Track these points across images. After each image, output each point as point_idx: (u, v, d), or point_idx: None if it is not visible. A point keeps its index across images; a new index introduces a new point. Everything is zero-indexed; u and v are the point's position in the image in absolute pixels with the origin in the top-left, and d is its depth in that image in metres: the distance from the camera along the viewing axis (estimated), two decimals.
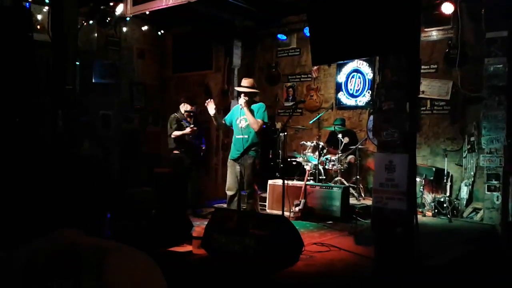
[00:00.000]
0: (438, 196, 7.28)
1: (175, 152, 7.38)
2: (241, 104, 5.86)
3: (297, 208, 6.90)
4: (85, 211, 1.52)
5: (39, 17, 7.35)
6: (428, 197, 7.34)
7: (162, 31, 9.52)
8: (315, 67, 9.05)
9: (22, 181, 4.90)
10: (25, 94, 5.28)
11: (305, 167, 7.60)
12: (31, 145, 5.24)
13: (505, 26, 6.63)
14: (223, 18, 8.59)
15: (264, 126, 5.90)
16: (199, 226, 5.18)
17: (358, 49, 4.39)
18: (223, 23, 8.75)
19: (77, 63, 6.20)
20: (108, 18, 7.99)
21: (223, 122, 6.18)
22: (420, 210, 7.02)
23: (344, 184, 7.46)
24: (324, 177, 7.67)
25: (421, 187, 7.11)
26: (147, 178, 8.61)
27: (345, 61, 8.51)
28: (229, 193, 5.95)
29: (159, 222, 5.17)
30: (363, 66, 8.58)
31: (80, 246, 1.29)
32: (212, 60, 9.41)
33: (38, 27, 7.21)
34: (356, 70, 8.69)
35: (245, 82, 6.08)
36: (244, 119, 5.87)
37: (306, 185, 7.12)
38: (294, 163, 7.97)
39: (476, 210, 7.08)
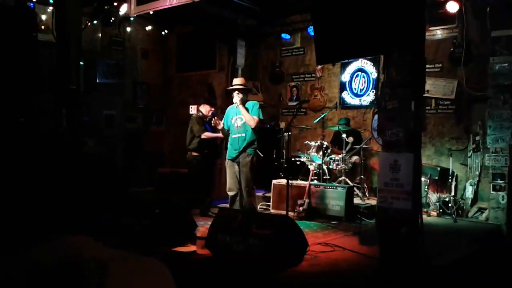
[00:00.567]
0: (443, 196, 7.25)
1: (194, 154, 7.15)
2: (236, 103, 5.86)
3: (301, 208, 6.88)
4: (87, 209, 1.52)
5: (43, 17, 7.36)
6: (433, 196, 7.30)
7: (166, 31, 9.52)
8: (319, 67, 9.02)
9: (25, 179, 4.91)
10: (29, 94, 5.29)
11: (309, 166, 7.58)
12: (35, 144, 5.25)
13: (510, 25, 6.60)
14: (226, 18, 8.58)
15: (261, 124, 5.92)
16: (203, 226, 5.18)
17: (363, 48, 4.37)
18: (227, 23, 8.74)
19: (81, 63, 6.21)
20: (112, 18, 7.99)
21: (226, 129, 6.15)
22: (425, 209, 6.99)
23: (349, 184, 7.43)
24: (328, 177, 7.65)
25: (426, 187, 7.08)
26: (150, 177, 8.63)
27: (349, 60, 8.48)
28: (230, 193, 5.95)
29: (163, 221, 5.16)
30: (367, 65, 8.55)
31: (84, 257, 1.28)
32: (216, 60, 9.40)
33: (42, 27, 7.22)
34: (360, 69, 8.66)
35: (237, 81, 6.14)
36: (239, 118, 5.88)
37: (310, 185, 7.10)
38: (298, 163, 7.96)
39: (481, 210, 7.04)
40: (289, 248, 4.23)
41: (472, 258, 4.90)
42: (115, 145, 8.72)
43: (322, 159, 7.53)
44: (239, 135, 5.87)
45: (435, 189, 7.45)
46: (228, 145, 6.07)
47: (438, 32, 7.65)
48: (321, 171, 7.54)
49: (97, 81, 8.44)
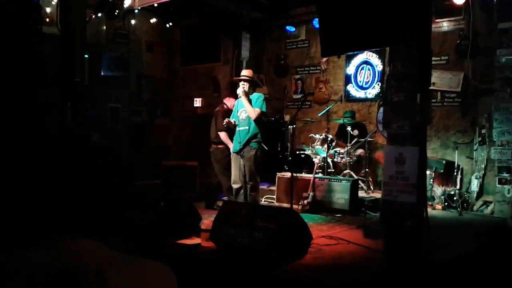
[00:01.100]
0: (448, 189, 7.22)
1: (220, 146, 6.95)
2: (239, 93, 5.84)
3: (305, 201, 6.88)
4: (92, 202, 1.51)
5: (48, 10, 7.36)
6: (438, 190, 7.28)
7: (170, 24, 9.50)
8: (324, 59, 8.98)
9: (31, 173, 4.93)
10: (34, 87, 5.30)
11: (313, 160, 7.57)
12: (39, 138, 5.26)
13: None
14: (231, 10, 8.54)
15: (264, 116, 5.87)
16: (207, 219, 5.19)
17: (368, 40, 4.34)
18: (231, 15, 8.70)
19: (86, 55, 6.21)
20: (117, 11, 7.99)
21: (234, 121, 6.07)
22: (430, 203, 6.97)
23: (353, 177, 7.42)
24: (333, 170, 7.64)
25: (431, 180, 7.06)
26: (155, 170, 8.65)
27: (354, 53, 8.44)
28: (234, 186, 5.95)
29: (168, 214, 5.18)
30: (373, 57, 8.50)
31: (83, 264, 1.27)
32: (220, 52, 9.38)
33: (47, 20, 7.21)
34: (366, 62, 8.61)
35: (245, 72, 6.09)
36: (244, 110, 5.86)
37: (314, 178, 7.09)
38: (302, 156, 7.94)
39: (486, 203, 7.01)
40: (293, 241, 4.24)
41: (477, 252, 4.88)
42: (120, 138, 8.74)
43: (327, 152, 7.51)
44: (243, 128, 5.86)
45: (440, 182, 7.42)
46: (234, 138, 6.06)
47: (444, 24, 7.59)
48: (325, 164, 7.52)
49: (101, 74, 8.45)
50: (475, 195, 7.18)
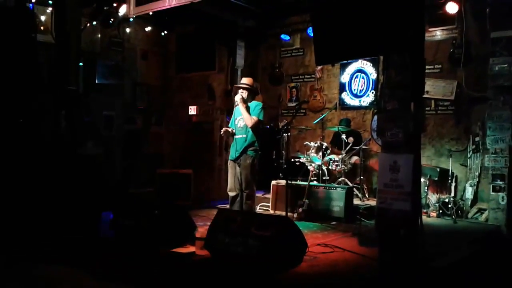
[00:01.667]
0: (443, 197, 7.24)
1: None
2: (237, 100, 5.84)
3: (300, 209, 6.87)
4: (83, 211, 1.51)
5: (43, 18, 7.34)
6: (433, 197, 7.30)
7: (165, 32, 9.51)
8: (319, 67, 9.03)
9: (23, 180, 4.90)
10: (28, 95, 5.29)
11: (308, 167, 7.58)
12: (33, 145, 5.24)
13: (510, 26, 6.59)
14: (226, 19, 8.58)
15: (262, 125, 5.85)
16: (202, 227, 5.17)
17: (362, 48, 4.36)
18: (226, 24, 8.73)
19: (80, 63, 6.21)
20: (111, 19, 7.97)
21: (232, 130, 6.07)
22: (425, 210, 6.99)
23: (348, 184, 7.43)
24: (328, 178, 7.65)
25: (426, 188, 7.08)
26: (150, 178, 8.62)
27: (348, 61, 8.48)
28: (230, 194, 5.92)
29: (162, 222, 5.15)
30: (367, 66, 8.55)
31: None
32: (215, 61, 9.39)
33: (42, 28, 7.20)
34: (360, 70, 8.66)
35: (245, 80, 6.08)
36: (242, 119, 5.85)
37: (309, 185, 7.09)
38: (297, 163, 7.95)
39: (481, 211, 7.04)
40: (288, 249, 4.22)
41: (472, 259, 4.89)
42: (114, 146, 8.71)
43: (322, 160, 7.52)
44: (241, 136, 5.86)
45: (435, 190, 7.44)
46: (231, 146, 6.05)
47: (437, 33, 7.65)
48: (320, 171, 7.53)
49: (96, 82, 8.43)
50: (469, 203, 7.20)
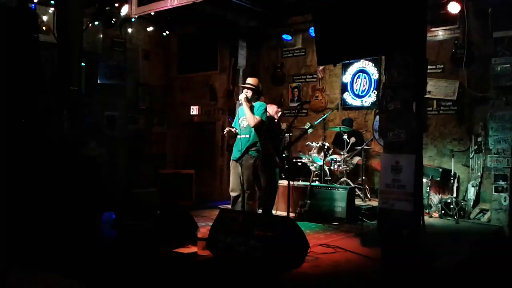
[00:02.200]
0: (445, 197, 7.23)
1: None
2: (240, 99, 5.84)
3: (302, 209, 6.87)
4: (85, 211, 1.50)
5: (45, 18, 7.36)
6: (435, 198, 7.28)
7: (167, 32, 9.52)
8: (321, 68, 9.02)
9: (27, 180, 4.90)
10: (31, 95, 5.29)
11: (310, 168, 7.57)
12: (36, 145, 5.24)
13: None
14: (228, 19, 8.57)
15: (264, 126, 5.84)
16: (204, 227, 5.17)
17: (364, 48, 4.37)
18: (228, 24, 8.73)
19: (83, 64, 6.21)
20: (113, 19, 7.99)
21: (235, 130, 6.04)
22: (427, 211, 6.97)
23: (350, 185, 7.42)
24: (330, 178, 7.64)
25: (428, 188, 7.06)
26: (153, 178, 8.63)
27: (350, 61, 8.47)
28: (232, 194, 5.92)
29: (164, 223, 5.16)
30: (369, 66, 8.54)
31: None
32: (217, 61, 9.39)
33: (44, 28, 7.22)
34: (362, 70, 8.65)
35: (250, 80, 6.07)
36: (245, 119, 5.85)
37: (311, 186, 7.09)
38: (299, 164, 7.94)
39: (483, 211, 7.02)
40: (290, 250, 4.22)
41: (474, 260, 4.88)
42: (116, 146, 8.72)
43: (324, 160, 7.51)
44: (244, 136, 5.85)
45: (437, 190, 7.43)
46: (234, 146, 6.04)
47: (439, 33, 7.64)
48: (322, 172, 7.52)
49: (98, 82, 8.45)
50: (471, 203, 7.19)
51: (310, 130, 7.54)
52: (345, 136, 7.72)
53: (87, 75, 7.67)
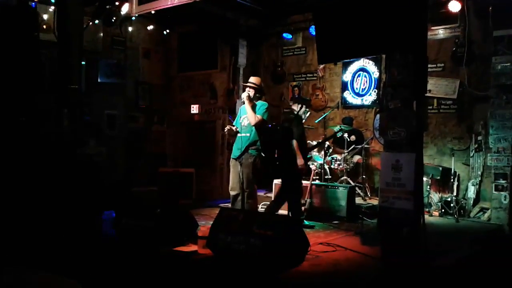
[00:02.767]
0: (445, 196, 7.23)
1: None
2: (243, 98, 5.85)
3: (302, 208, 6.86)
4: (85, 210, 1.50)
5: (45, 16, 7.35)
6: (435, 196, 7.28)
7: (168, 31, 9.51)
8: (321, 66, 9.01)
9: (25, 180, 4.90)
10: (31, 94, 5.29)
11: (310, 166, 7.57)
12: (35, 144, 5.24)
13: None
14: (228, 17, 8.57)
15: (264, 124, 5.84)
16: (204, 226, 5.17)
17: (364, 47, 4.36)
18: (228, 22, 8.73)
19: (83, 62, 6.20)
20: (114, 18, 7.98)
21: (236, 129, 6.03)
22: (427, 209, 6.97)
23: (350, 183, 7.42)
24: (330, 177, 7.64)
25: (428, 187, 7.06)
26: (152, 177, 8.63)
27: (351, 60, 8.47)
28: (232, 193, 5.92)
29: (164, 221, 5.16)
30: (369, 65, 8.54)
31: None
32: (218, 59, 9.39)
33: (44, 26, 7.21)
34: (362, 69, 8.65)
35: (253, 79, 6.08)
36: (246, 117, 5.85)
37: (311, 184, 7.09)
38: None
39: (483, 210, 7.02)
40: (290, 248, 4.22)
41: (474, 258, 4.88)
42: (116, 145, 8.72)
43: (324, 159, 7.51)
44: (244, 134, 5.86)
45: (437, 189, 7.43)
46: (234, 144, 6.05)
47: (440, 32, 7.63)
48: (322, 171, 7.53)
49: (98, 80, 8.44)
50: (471, 202, 7.19)
51: (340, 134, 7.60)
52: (346, 135, 7.73)
53: (87, 73, 7.67)
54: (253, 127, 5.78)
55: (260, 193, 7.57)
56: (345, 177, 7.61)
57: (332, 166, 7.71)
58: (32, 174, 5.01)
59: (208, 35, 9.33)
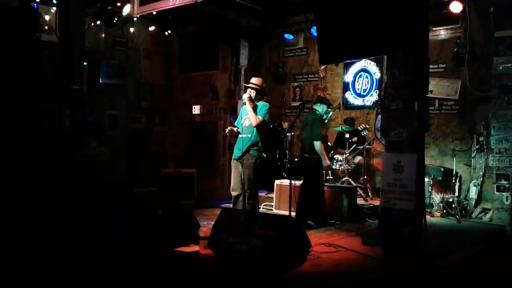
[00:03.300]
0: (447, 197, 7.22)
1: (314, 156, 6.49)
2: (244, 99, 5.85)
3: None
4: (87, 210, 1.51)
5: (47, 17, 7.37)
6: (437, 197, 7.28)
7: (169, 31, 9.53)
8: (322, 67, 9.01)
9: (28, 180, 4.91)
10: (33, 94, 5.30)
11: None
12: (38, 145, 5.25)
13: None
14: (229, 18, 8.58)
15: (265, 125, 5.85)
16: (206, 226, 5.17)
17: (366, 48, 4.36)
18: (230, 23, 8.73)
19: (84, 63, 6.22)
20: (115, 19, 7.99)
21: (237, 130, 6.04)
22: (429, 210, 6.98)
23: (352, 184, 7.42)
24: (332, 177, 7.64)
25: (430, 187, 7.06)
26: (154, 178, 8.64)
27: (352, 61, 8.46)
28: (233, 193, 5.92)
29: (166, 221, 5.16)
30: (371, 65, 8.54)
31: None
32: (219, 60, 9.40)
33: (46, 27, 7.23)
34: (364, 70, 8.64)
35: (254, 80, 6.08)
36: (248, 118, 5.85)
37: None
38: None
39: (485, 211, 7.02)
40: (292, 249, 4.23)
41: (476, 258, 4.88)
42: (118, 146, 8.73)
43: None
44: (246, 135, 5.85)
45: (439, 189, 7.43)
46: (235, 145, 6.05)
47: (441, 33, 7.63)
48: (324, 171, 7.51)
49: (100, 81, 8.47)
50: (473, 202, 7.18)
51: (364, 132, 7.62)
52: (347, 136, 7.73)
53: (89, 74, 7.68)
54: (254, 128, 5.78)
55: (262, 194, 7.58)
56: (346, 178, 7.61)
57: (334, 167, 7.70)
58: (34, 174, 5.02)
59: (210, 36, 9.34)
